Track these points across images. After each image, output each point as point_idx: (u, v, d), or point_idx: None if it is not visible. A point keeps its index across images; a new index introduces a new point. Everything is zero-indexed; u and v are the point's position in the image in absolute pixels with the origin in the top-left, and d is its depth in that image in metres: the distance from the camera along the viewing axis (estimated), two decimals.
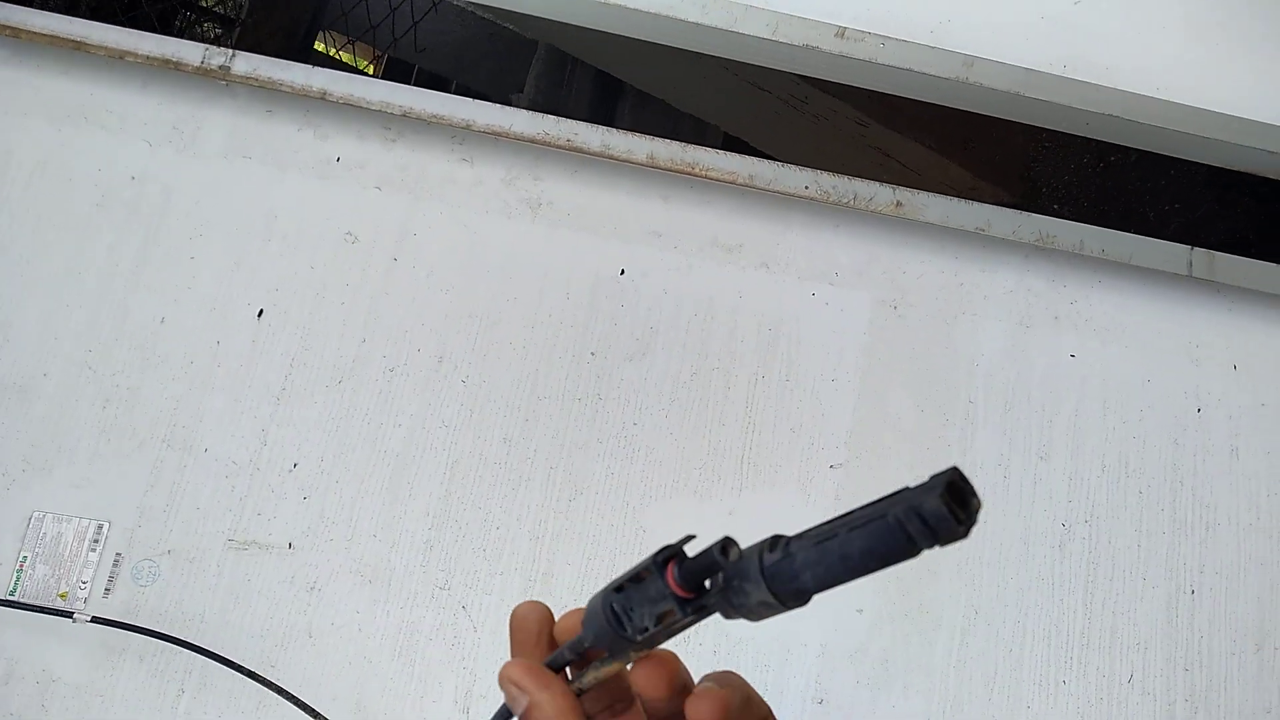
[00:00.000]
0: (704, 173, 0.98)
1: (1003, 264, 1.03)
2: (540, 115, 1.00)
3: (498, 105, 1.00)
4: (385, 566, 0.86)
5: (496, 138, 0.98)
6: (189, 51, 0.97)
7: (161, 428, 0.87)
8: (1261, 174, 1.07)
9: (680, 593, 0.32)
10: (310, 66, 0.99)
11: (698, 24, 0.99)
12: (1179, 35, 1.07)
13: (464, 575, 0.87)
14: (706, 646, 0.87)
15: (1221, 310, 1.05)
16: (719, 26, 0.99)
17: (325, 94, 0.97)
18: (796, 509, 0.91)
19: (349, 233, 0.94)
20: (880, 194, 0.99)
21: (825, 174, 0.99)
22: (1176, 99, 1.01)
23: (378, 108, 0.97)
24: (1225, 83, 1.06)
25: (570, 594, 0.87)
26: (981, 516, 0.86)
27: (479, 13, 1.58)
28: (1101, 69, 1.03)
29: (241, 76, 0.97)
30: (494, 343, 0.92)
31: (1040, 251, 1.03)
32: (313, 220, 0.94)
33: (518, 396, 0.91)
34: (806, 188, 0.98)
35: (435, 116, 0.98)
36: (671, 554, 0.32)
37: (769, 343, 0.96)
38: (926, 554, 0.89)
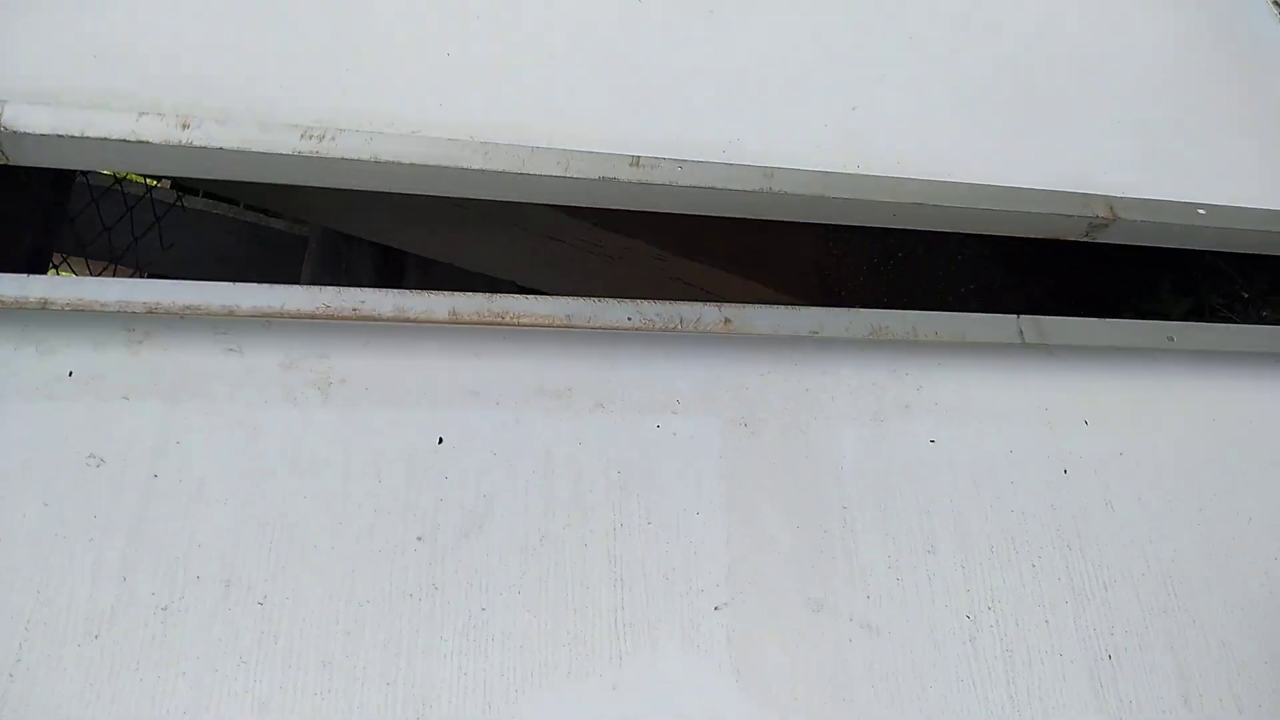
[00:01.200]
0: (516, 320, 0.91)
1: (842, 363, 1.01)
2: (318, 288, 0.91)
3: (265, 285, 0.90)
4: None
5: (268, 320, 0.87)
6: None
7: None
8: (1045, 236, 1.12)
9: None
10: (24, 275, 0.86)
11: (483, 170, 0.93)
12: (952, 121, 1.13)
13: None
14: None
15: (1058, 370, 1.08)
16: (507, 170, 0.94)
17: (46, 303, 0.85)
18: (687, 664, 0.80)
19: (92, 455, 0.79)
20: (706, 314, 0.96)
21: (646, 302, 0.95)
22: (964, 179, 1.04)
23: (116, 309, 0.86)
24: (999, 158, 1.12)
25: None
26: (885, 627, 0.74)
27: (239, 216, 1.49)
28: (892, 162, 1.07)
29: None
30: (294, 550, 0.79)
31: (875, 344, 1.02)
32: (41, 449, 0.80)
33: (333, 608, 0.77)
34: (630, 319, 0.94)
35: (189, 308, 0.88)
36: None
37: (620, 486, 0.87)
38: (837, 683, 0.77)
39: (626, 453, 0.91)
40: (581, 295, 0.97)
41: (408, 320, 0.91)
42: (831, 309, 1.02)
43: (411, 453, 0.87)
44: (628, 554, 0.85)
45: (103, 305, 0.86)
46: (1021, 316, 1.10)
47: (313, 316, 0.89)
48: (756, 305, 1.00)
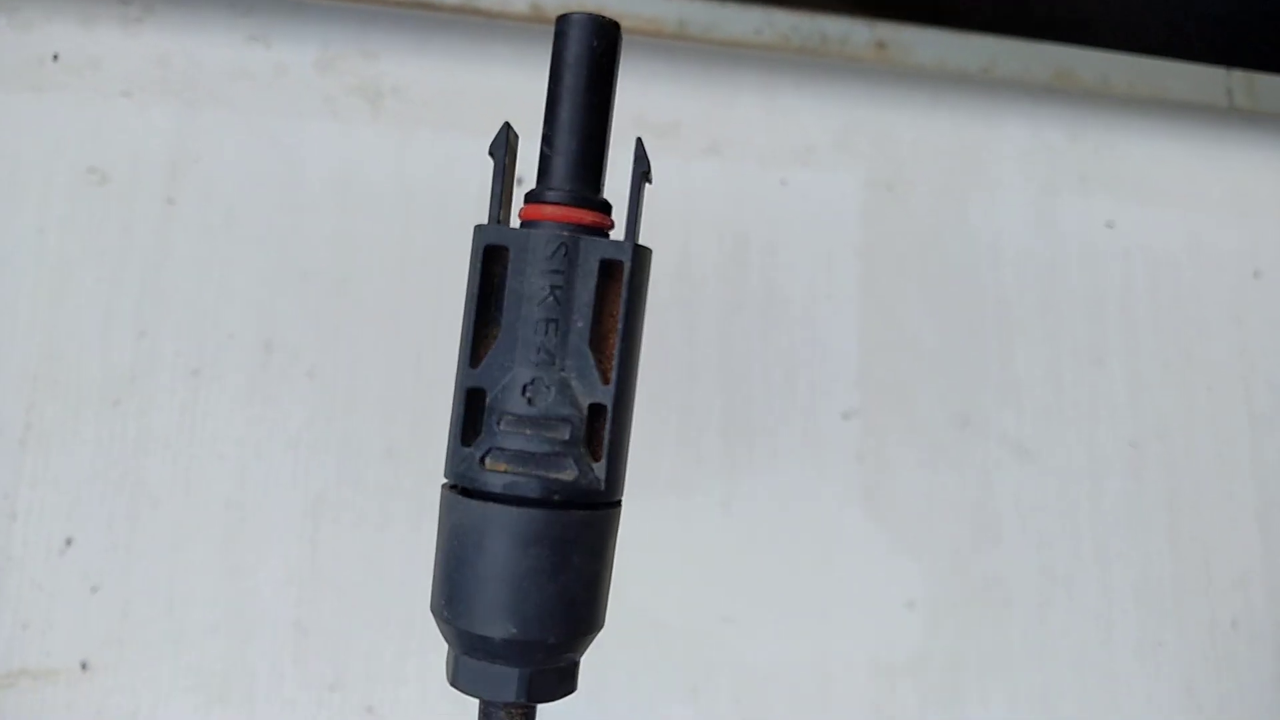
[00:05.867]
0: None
1: (1011, 114, 0.88)
2: None
3: None
4: (241, 671, 0.66)
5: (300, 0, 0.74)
6: None
7: None
8: None
9: None
10: None
11: None
12: None
13: (361, 661, 0.66)
14: (723, 692, 0.70)
15: (1265, 147, 0.94)
16: None
17: None
18: (809, 484, 0.74)
19: (93, 169, 0.69)
20: (855, 33, 0.81)
21: (780, 10, 0.79)
22: None
23: None
24: None
25: None
26: (1039, 451, 0.77)
27: None
28: None
29: None
30: (346, 309, 0.71)
31: (1050, 94, 0.88)
32: (31, 156, 0.69)
33: (398, 384, 0.70)
34: (758, 32, 0.79)
35: None
36: None
37: (736, 257, 0.78)
38: (981, 514, 0.82)
39: (744, 212, 0.80)
40: None
41: (477, 11, 0.77)
42: (1009, 39, 0.88)
43: (480, 193, 0.76)
44: (742, 342, 0.77)
45: None
46: (1234, 71, 0.95)
47: None
48: (919, 27, 0.85)
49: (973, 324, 0.82)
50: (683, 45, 0.80)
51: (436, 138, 0.76)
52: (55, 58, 0.71)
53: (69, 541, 0.64)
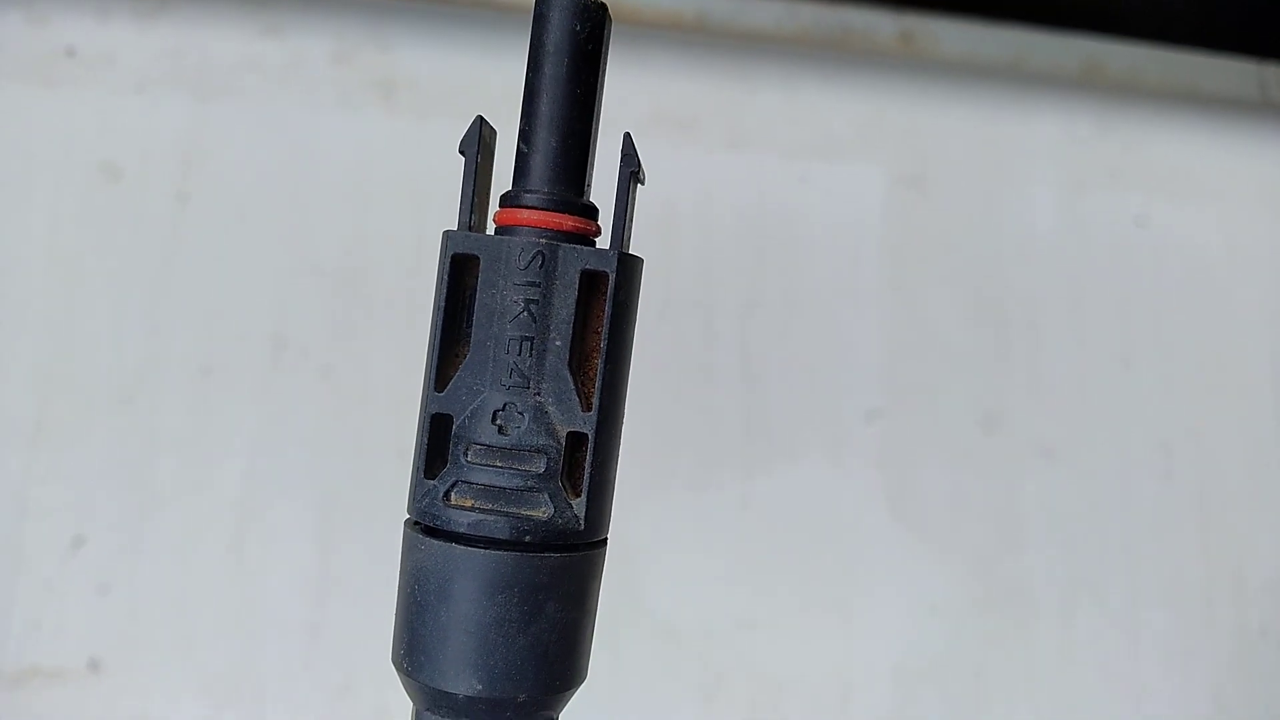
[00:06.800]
0: (634, 15, 0.76)
1: (1039, 108, 0.87)
2: None
3: None
4: (251, 674, 0.66)
5: None
6: None
7: None
8: None
9: None
10: None
11: None
12: None
13: (374, 662, 0.64)
14: (738, 698, 0.69)
15: None
16: None
17: None
18: (830, 485, 0.73)
19: (106, 163, 0.68)
20: (880, 24, 0.79)
21: (802, 1, 0.78)
22: None
23: None
24: None
25: None
26: (1066, 454, 0.71)
27: None
28: None
29: None
30: (359, 305, 0.71)
31: (1080, 87, 0.87)
32: (44, 152, 0.70)
33: (412, 381, 0.68)
34: (780, 24, 0.77)
35: None
36: None
37: (757, 253, 0.77)
38: (1006, 518, 0.74)
39: (764, 208, 0.79)
40: None
41: (493, 4, 0.76)
42: (1037, 32, 0.86)
43: (495, 186, 0.75)
44: (763, 341, 0.76)
45: None
46: (1266, 64, 0.93)
47: None
48: (945, 18, 0.83)
49: (999, 322, 0.80)
50: (702, 37, 0.78)
51: (452, 131, 0.75)
52: (70, 53, 0.71)
53: (79, 541, 0.64)
